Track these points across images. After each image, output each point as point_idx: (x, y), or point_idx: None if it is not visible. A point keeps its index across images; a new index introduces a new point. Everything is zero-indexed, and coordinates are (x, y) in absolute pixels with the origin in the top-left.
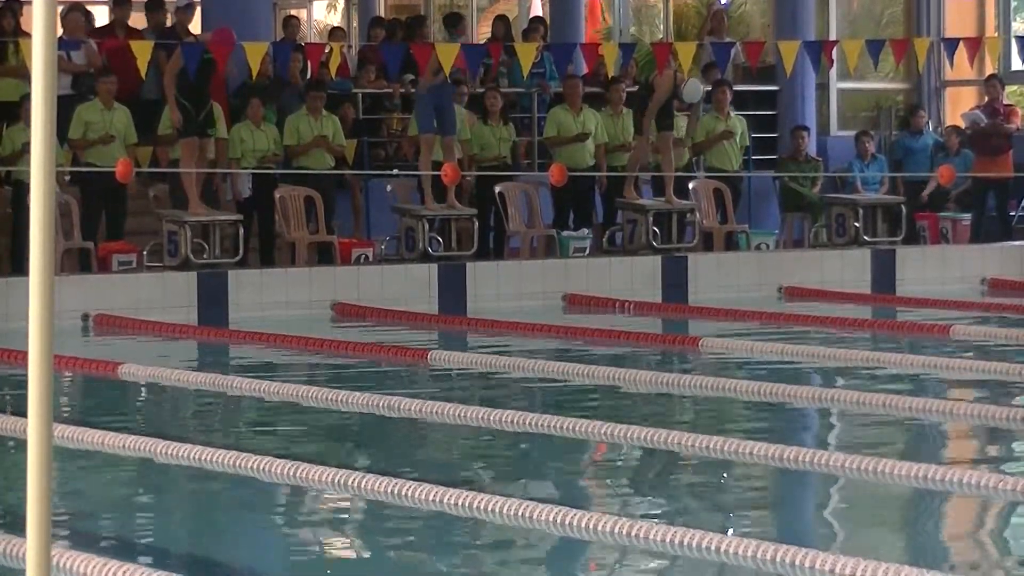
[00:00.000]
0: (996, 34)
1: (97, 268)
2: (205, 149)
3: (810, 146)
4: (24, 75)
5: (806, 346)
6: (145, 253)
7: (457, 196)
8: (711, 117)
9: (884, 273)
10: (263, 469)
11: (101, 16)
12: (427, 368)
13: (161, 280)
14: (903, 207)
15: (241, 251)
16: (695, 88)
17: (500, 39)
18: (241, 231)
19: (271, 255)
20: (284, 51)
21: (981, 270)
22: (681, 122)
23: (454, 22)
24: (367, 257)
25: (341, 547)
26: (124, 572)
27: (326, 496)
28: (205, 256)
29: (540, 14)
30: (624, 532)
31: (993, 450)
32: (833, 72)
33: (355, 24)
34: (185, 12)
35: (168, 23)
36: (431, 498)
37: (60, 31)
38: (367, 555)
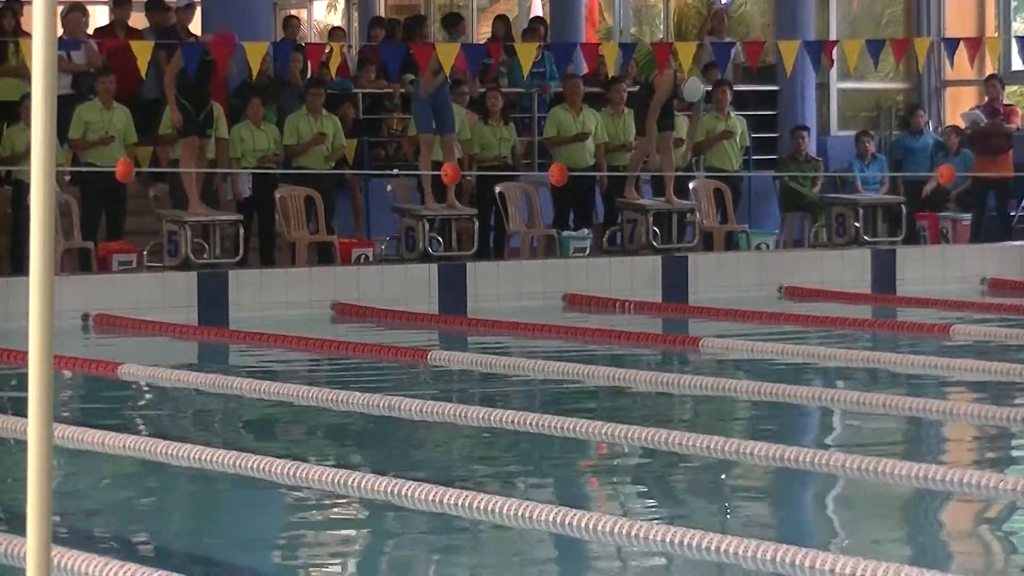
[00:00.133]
0: (996, 34)
1: (97, 268)
2: (205, 149)
3: (810, 146)
4: (24, 75)
5: (806, 346)
6: (145, 253)
7: (457, 196)
8: (711, 117)
9: (884, 273)
10: (263, 469)
11: (101, 16)
12: (427, 368)
13: (161, 280)
14: (903, 207)
15: (241, 251)
16: (695, 87)
17: (500, 39)
18: (241, 231)
19: (271, 255)
20: (284, 51)
21: (981, 270)
22: (682, 122)
23: (453, 22)
24: (367, 257)
25: (341, 547)
26: (124, 572)
27: (326, 496)
28: (205, 256)
29: (540, 14)
30: (624, 532)
31: (993, 450)
32: (833, 72)
33: (355, 24)
34: (185, 12)
35: (168, 23)
36: (431, 498)
37: (60, 31)
38: (367, 555)
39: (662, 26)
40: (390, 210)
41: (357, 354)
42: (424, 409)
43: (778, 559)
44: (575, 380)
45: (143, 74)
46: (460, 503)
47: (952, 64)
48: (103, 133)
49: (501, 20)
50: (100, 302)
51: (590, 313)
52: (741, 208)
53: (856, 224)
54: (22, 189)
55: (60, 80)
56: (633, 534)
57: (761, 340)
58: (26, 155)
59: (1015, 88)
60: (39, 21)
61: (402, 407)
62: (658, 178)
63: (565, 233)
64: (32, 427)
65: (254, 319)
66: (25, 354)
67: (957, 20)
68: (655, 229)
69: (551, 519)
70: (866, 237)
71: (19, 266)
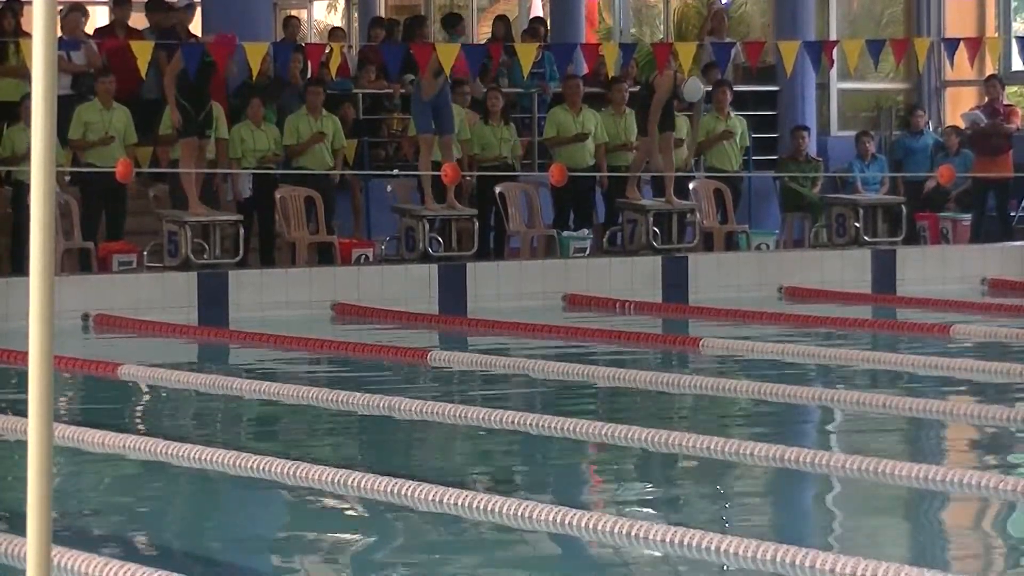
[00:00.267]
0: (996, 34)
1: (97, 268)
2: (204, 149)
3: (810, 146)
4: (24, 75)
5: (806, 346)
6: (145, 253)
7: (457, 196)
8: (711, 117)
9: (884, 273)
10: (263, 469)
11: (101, 16)
12: (427, 368)
13: (161, 280)
14: (903, 207)
15: (241, 251)
16: (695, 87)
17: (500, 39)
18: (241, 231)
19: (271, 255)
20: (284, 51)
21: (981, 270)
22: (682, 122)
23: (453, 22)
24: (367, 257)
25: (341, 547)
26: (124, 572)
27: (326, 496)
28: (205, 256)
29: (540, 14)
30: (624, 532)
31: (993, 450)
32: (833, 72)
33: (355, 24)
34: (185, 12)
35: (168, 23)
36: (431, 498)
37: (59, 31)
38: (367, 555)
39: (662, 26)
40: (390, 210)
41: (357, 354)
42: (424, 409)
43: (778, 559)
44: (575, 380)
45: (143, 74)
46: (460, 503)
47: (952, 64)
48: (103, 133)
49: (501, 20)
50: (100, 302)
51: (590, 313)
52: (741, 208)
53: (856, 224)
54: (22, 189)
55: (60, 80)
56: (633, 534)
57: (761, 340)
58: (26, 155)
59: (1015, 88)
60: (39, 21)
61: (402, 407)
62: (658, 178)
63: (565, 233)
64: (32, 427)
65: (254, 319)
66: (25, 354)
67: (957, 20)
68: (655, 229)
69: (551, 519)
70: (866, 237)
71: (19, 266)
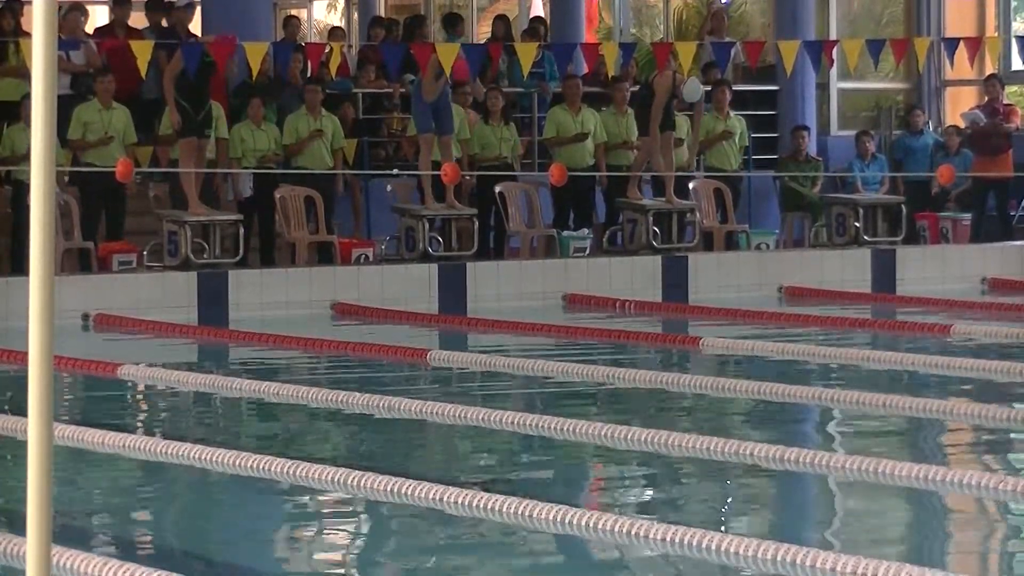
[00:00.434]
0: (996, 34)
1: (97, 268)
2: (204, 149)
3: (810, 146)
4: (24, 75)
5: (806, 346)
6: (145, 253)
7: (457, 196)
8: (711, 117)
9: (884, 273)
10: (263, 469)
11: (101, 16)
12: (427, 368)
13: (161, 280)
14: (903, 207)
15: (241, 251)
16: (695, 88)
17: (500, 39)
18: (241, 231)
19: (271, 255)
20: (284, 51)
21: (981, 270)
22: (682, 122)
23: (453, 23)
24: (367, 257)
25: (341, 547)
26: (124, 572)
27: (326, 496)
28: (205, 256)
29: (540, 14)
30: (624, 531)
31: (993, 450)
32: (833, 72)
33: (355, 24)
34: (184, 12)
35: (168, 23)
36: (431, 497)
37: (59, 31)
38: (367, 555)
39: (662, 26)
40: (390, 210)
41: (357, 354)
42: (424, 409)
43: (779, 558)
44: (575, 380)
45: (143, 74)
46: (460, 502)
47: (952, 64)
48: (102, 133)
49: (501, 20)
50: (100, 302)
51: (590, 313)
52: (741, 208)
53: (856, 224)
54: (22, 189)
55: (59, 80)
56: (634, 533)
57: (761, 340)
58: (26, 155)
59: (1015, 88)
60: (39, 21)
61: (402, 407)
62: (658, 178)
63: (565, 233)
64: (32, 427)
65: (254, 319)
66: (25, 354)
67: (957, 20)
68: (655, 229)
69: (552, 518)
70: (866, 237)
71: (19, 266)
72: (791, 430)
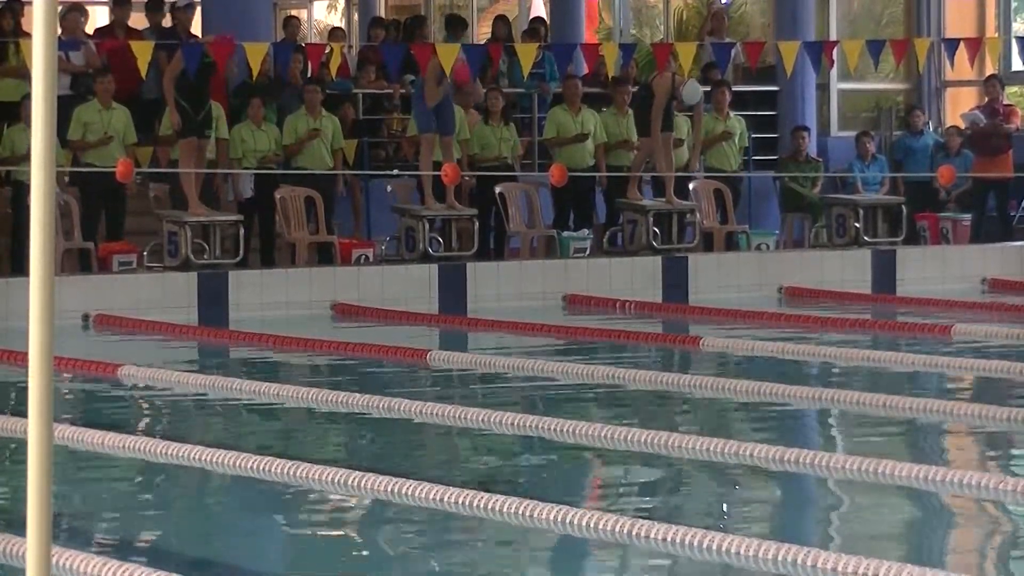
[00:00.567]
0: (996, 34)
1: (97, 268)
2: (204, 149)
3: (810, 146)
4: (24, 75)
5: (806, 346)
6: (145, 253)
7: (457, 196)
8: (710, 117)
9: (884, 273)
10: (263, 469)
11: (101, 16)
12: (427, 368)
13: (161, 280)
14: (903, 207)
15: (241, 251)
16: (694, 90)
17: (500, 39)
18: (241, 231)
19: (271, 255)
20: (284, 51)
21: (981, 270)
22: (682, 122)
23: (456, 26)
24: (367, 257)
25: (341, 547)
26: (124, 572)
27: (326, 496)
28: (205, 256)
29: (540, 14)
30: (625, 531)
31: (993, 450)
32: (833, 72)
33: (355, 24)
34: (185, 12)
35: (168, 23)
36: (431, 498)
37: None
38: (367, 555)
39: (662, 26)
40: (390, 210)
41: (357, 354)
42: (424, 409)
43: (779, 558)
44: (575, 380)
45: (143, 74)
46: (461, 502)
47: (952, 64)
48: (102, 134)
49: (501, 20)
50: (100, 302)
51: (590, 313)
52: (741, 208)
53: (856, 224)
54: (22, 189)
55: (59, 80)
56: (634, 533)
57: (761, 340)
58: (26, 155)
59: (1015, 88)
60: (39, 21)
61: (402, 407)
62: (659, 178)
63: (565, 233)
64: (32, 427)
65: (254, 319)
66: (25, 354)
67: (957, 20)
68: (655, 229)
69: (552, 518)
70: (866, 237)
71: (19, 266)
72: (791, 430)
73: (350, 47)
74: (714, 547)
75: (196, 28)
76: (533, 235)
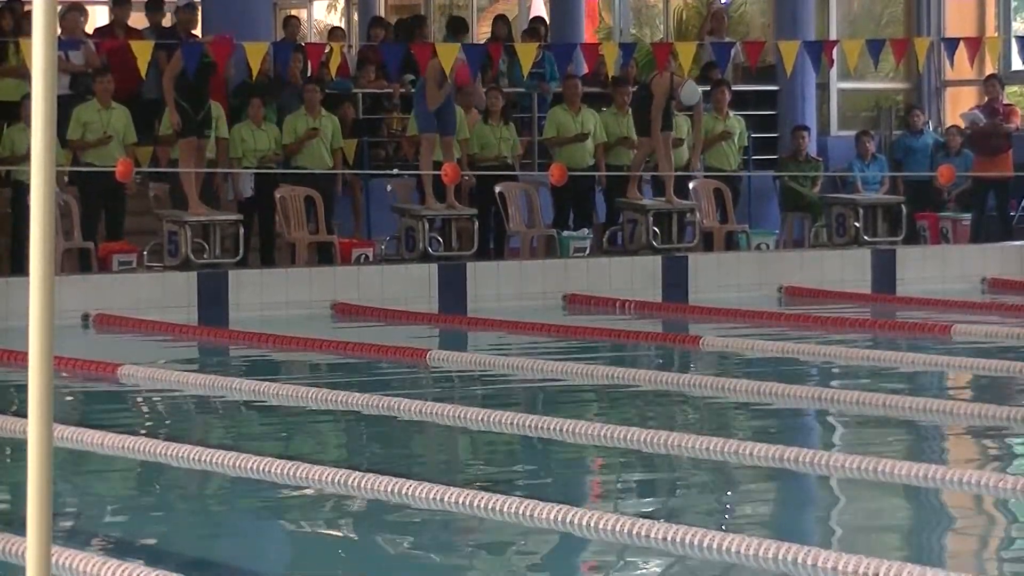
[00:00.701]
0: (996, 34)
1: (97, 268)
2: (204, 149)
3: (810, 146)
4: (24, 75)
5: (806, 346)
6: (145, 253)
7: (456, 196)
8: (710, 117)
9: (884, 273)
10: (263, 469)
11: (101, 16)
12: (427, 368)
13: (161, 280)
14: (903, 207)
15: (241, 251)
16: (692, 90)
17: (500, 39)
18: (241, 231)
19: (271, 255)
20: (284, 51)
21: (981, 270)
22: (681, 122)
23: (457, 28)
24: (367, 257)
25: (341, 547)
26: (124, 572)
27: (326, 496)
28: (205, 256)
29: (540, 14)
30: (625, 530)
31: (993, 450)
32: (833, 72)
33: (355, 24)
34: (186, 12)
35: (168, 23)
36: (432, 498)
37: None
38: (367, 555)
39: (662, 26)
40: (390, 210)
41: (357, 354)
42: (424, 409)
43: (780, 557)
44: (575, 380)
45: (143, 74)
46: (461, 502)
47: (952, 64)
48: (101, 133)
49: (501, 20)
50: (100, 302)
51: (590, 313)
52: (741, 208)
53: (856, 224)
54: (22, 189)
55: (59, 80)
56: (635, 532)
57: (761, 340)
58: (26, 155)
59: (1015, 88)
60: (39, 21)
61: (402, 407)
62: (658, 178)
63: (565, 233)
64: (32, 427)
65: (254, 319)
66: (25, 354)
67: (957, 20)
68: (655, 229)
69: (552, 517)
70: (866, 237)
71: (19, 266)
72: (791, 430)
73: (350, 47)
74: (714, 547)
75: (196, 28)
76: (533, 235)
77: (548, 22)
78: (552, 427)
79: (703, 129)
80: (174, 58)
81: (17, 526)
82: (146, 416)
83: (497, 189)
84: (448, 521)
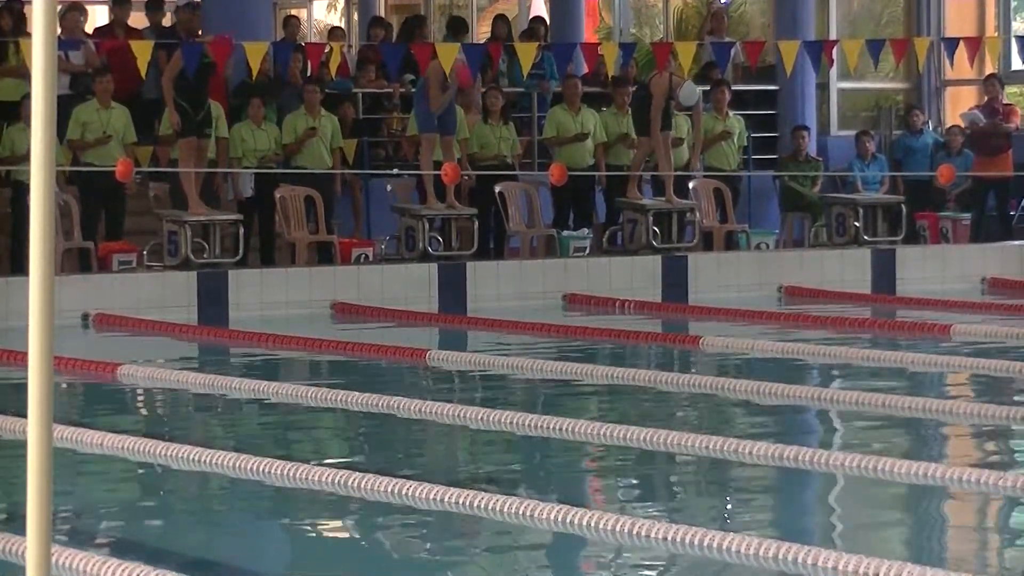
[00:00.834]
0: (996, 34)
1: (97, 268)
2: (204, 149)
3: (810, 146)
4: (24, 75)
5: (806, 346)
6: (145, 253)
7: (457, 195)
8: (710, 117)
9: (884, 273)
10: (263, 469)
11: (101, 16)
12: (427, 368)
13: (161, 280)
14: (903, 207)
15: (241, 251)
16: (691, 91)
17: (500, 39)
18: (241, 231)
19: (271, 255)
20: (284, 51)
21: (981, 270)
22: (681, 121)
23: (458, 28)
24: (367, 257)
25: (341, 547)
26: (124, 572)
27: (326, 496)
28: (205, 256)
29: (540, 14)
30: (626, 530)
31: (993, 449)
32: (833, 72)
33: (355, 24)
34: (193, 12)
35: (168, 23)
36: (431, 498)
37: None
38: (367, 555)
39: (662, 26)
40: (390, 210)
41: (357, 354)
42: (424, 409)
43: (780, 557)
44: (575, 380)
45: (143, 74)
46: (461, 502)
47: (952, 64)
48: (100, 133)
49: (501, 20)
50: (100, 302)
51: (590, 313)
52: (741, 208)
53: (856, 224)
54: (22, 189)
55: (59, 80)
56: (635, 532)
57: (761, 340)
58: (26, 155)
59: (1015, 88)
60: (39, 21)
61: (402, 407)
62: (658, 177)
63: (565, 233)
64: (32, 427)
65: (254, 319)
66: (25, 354)
67: (957, 20)
68: (655, 229)
69: (552, 517)
70: (866, 237)
71: (19, 266)
72: (791, 430)
73: (350, 47)
74: (714, 546)
75: (198, 29)
76: (533, 234)
77: (548, 22)
78: (552, 427)
79: (703, 129)
80: (174, 58)
81: (17, 526)
82: (146, 416)
83: (497, 189)
84: (448, 521)
